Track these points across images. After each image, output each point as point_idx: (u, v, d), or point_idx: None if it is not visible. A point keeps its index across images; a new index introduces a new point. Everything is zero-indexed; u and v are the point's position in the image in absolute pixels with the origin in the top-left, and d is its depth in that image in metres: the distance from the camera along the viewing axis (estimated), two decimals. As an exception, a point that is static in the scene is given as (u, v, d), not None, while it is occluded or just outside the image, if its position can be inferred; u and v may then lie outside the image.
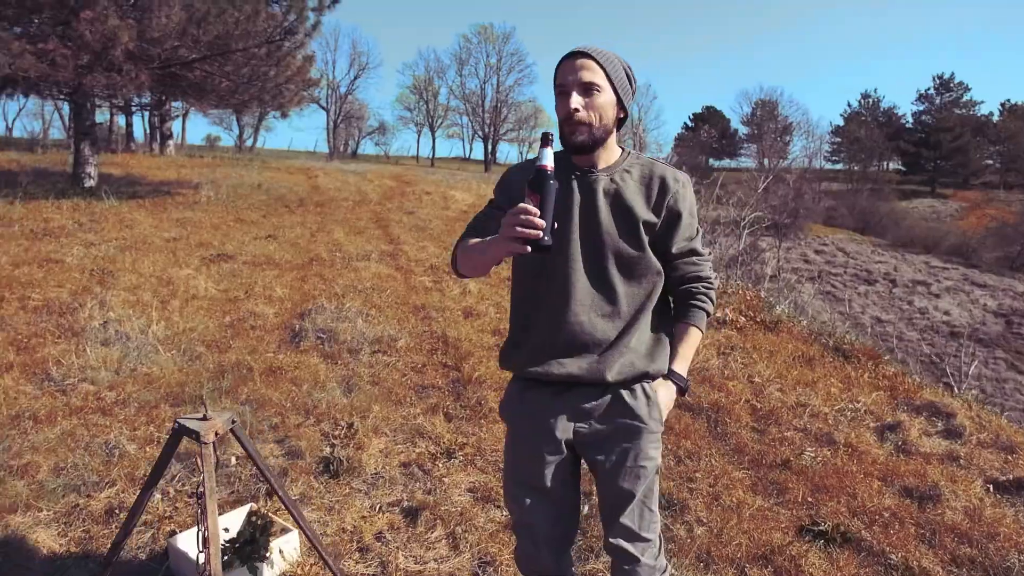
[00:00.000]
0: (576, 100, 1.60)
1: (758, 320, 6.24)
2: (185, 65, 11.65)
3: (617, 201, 1.68)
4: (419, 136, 57.78)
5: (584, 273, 1.69)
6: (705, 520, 2.97)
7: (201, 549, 1.82)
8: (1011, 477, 3.56)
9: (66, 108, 34.27)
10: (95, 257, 7.08)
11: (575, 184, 1.69)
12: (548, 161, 1.45)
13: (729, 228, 16.04)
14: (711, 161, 63.70)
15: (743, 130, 65.04)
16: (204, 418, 1.51)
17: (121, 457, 3.15)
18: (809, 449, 3.74)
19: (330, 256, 8.11)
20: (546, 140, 1.48)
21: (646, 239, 1.69)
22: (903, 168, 58.74)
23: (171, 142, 26.35)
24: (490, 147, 52.91)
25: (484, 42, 51.81)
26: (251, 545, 2.31)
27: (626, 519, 1.73)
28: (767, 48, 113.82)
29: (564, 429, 1.73)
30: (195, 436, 1.49)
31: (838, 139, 59.97)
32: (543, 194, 1.43)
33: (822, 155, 61.19)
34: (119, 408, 3.69)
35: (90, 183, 12.50)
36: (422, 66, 56.01)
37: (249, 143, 46.82)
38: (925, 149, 53.84)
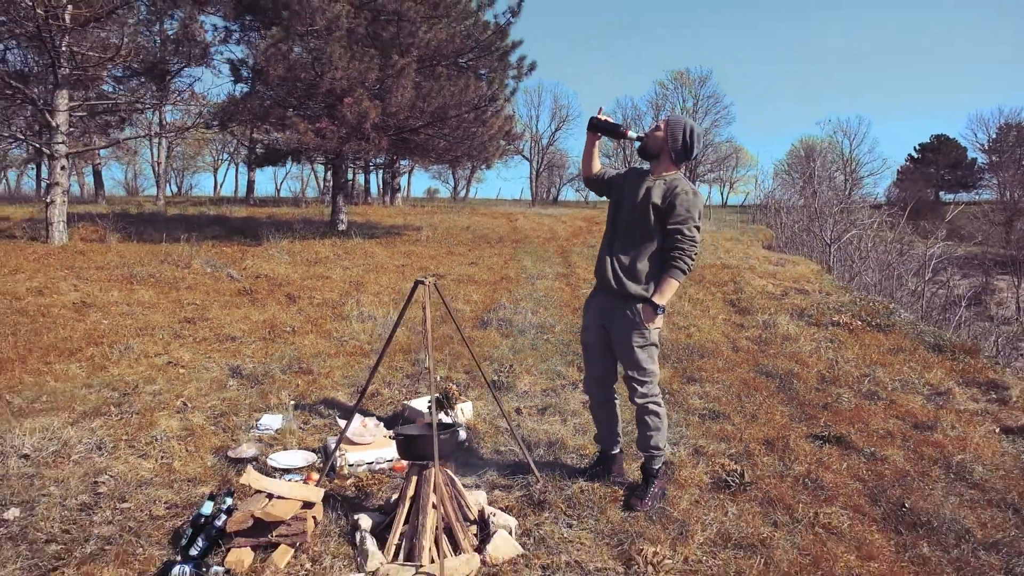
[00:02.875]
0: (649, 132, 3.29)
1: (873, 324, 7.09)
2: (413, 131, 14.69)
3: (648, 191, 3.22)
4: (616, 181, 59.79)
5: (623, 228, 3.26)
6: (735, 423, 4.32)
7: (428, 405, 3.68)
8: (1022, 423, 4.38)
9: (320, 170, 41.57)
10: (350, 275, 9.77)
11: (639, 181, 3.27)
12: (623, 126, 3.32)
13: (916, 265, 15.63)
14: (943, 194, 58.07)
15: (982, 159, 58.45)
16: (424, 279, 3.33)
17: (375, 374, 5.22)
18: (842, 391, 4.84)
19: (516, 276, 10.16)
20: (639, 140, 3.31)
21: (653, 215, 3.18)
22: None
23: (399, 195, 31.02)
24: (686, 188, 53.56)
25: (680, 87, 53.04)
26: (445, 400, 4.17)
27: (628, 369, 3.29)
28: (1005, 65, 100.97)
29: (600, 317, 3.35)
30: (422, 282, 3.32)
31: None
32: (624, 129, 3.29)
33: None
34: (373, 353, 5.85)
35: (342, 227, 16.01)
36: (620, 115, 58.28)
37: (463, 194, 52.26)
38: None
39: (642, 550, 2.81)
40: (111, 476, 3.40)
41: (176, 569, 2.63)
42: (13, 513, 2.97)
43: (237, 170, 49.30)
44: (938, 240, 16.27)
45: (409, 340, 6.26)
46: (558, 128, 53.95)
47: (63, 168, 12.71)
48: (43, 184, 34.23)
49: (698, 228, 3.21)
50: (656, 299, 3.17)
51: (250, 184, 32.35)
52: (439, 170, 48.59)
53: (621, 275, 3.22)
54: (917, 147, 60.95)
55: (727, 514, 3.16)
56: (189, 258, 10.24)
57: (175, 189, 52.18)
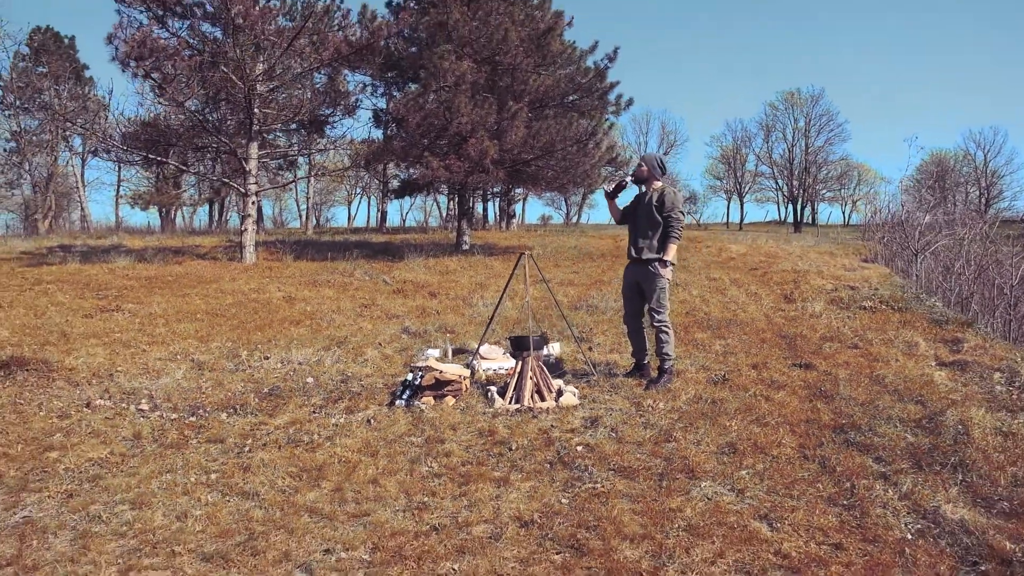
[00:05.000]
0: (635, 166, 5.54)
1: (895, 307, 8.68)
2: (525, 163, 17.28)
3: (650, 200, 5.47)
4: (728, 203, 60.28)
5: (641, 221, 5.50)
6: (738, 357, 6.31)
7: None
8: (956, 359, 6.07)
9: (442, 201, 45.66)
10: (474, 280, 12.35)
11: (642, 198, 5.53)
12: (629, 182, 5.53)
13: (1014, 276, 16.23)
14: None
15: None
16: (524, 252, 5.67)
17: (493, 333, 7.60)
18: (832, 344, 6.68)
19: (609, 280, 12.35)
20: (637, 183, 5.52)
21: (656, 211, 5.42)
22: None
23: (514, 220, 33.91)
24: (799, 208, 53.16)
25: (791, 107, 53.08)
26: (542, 337, 6.47)
27: (651, 304, 5.48)
28: None
29: (632, 276, 5.58)
30: (523, 254, 5.66)
31: None
32: (623, 180, 5.49)
33: None
34: (492, 323, 8.25)
35: (466, 247, 18.82)
36: (729, 137, 58.95)
37: (575, 219, 54.77)
38: None
39: (648, 401, 4.97)
40: (359, 373, 5.97)
41: (397, 401, 5.09)
42: (309, 380, 5.59)
43: (369, 202, 54.61)
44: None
45: (518, 316, 8.64)
46: (666, 153, 55.36)
47: (253, 203, 16.28)
48: (214, 217, 39.92)
49: (682, 213, 5.44)
50: (665, 257, 5.36)
51: (383, 214, 36.41)
52: (552, 197, 51.52)
53: (644, 249, 5.43)
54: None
55: (704, 390, 5.25)
56: (352, 270, 13.24)
57: (315, 221, 58.29)
